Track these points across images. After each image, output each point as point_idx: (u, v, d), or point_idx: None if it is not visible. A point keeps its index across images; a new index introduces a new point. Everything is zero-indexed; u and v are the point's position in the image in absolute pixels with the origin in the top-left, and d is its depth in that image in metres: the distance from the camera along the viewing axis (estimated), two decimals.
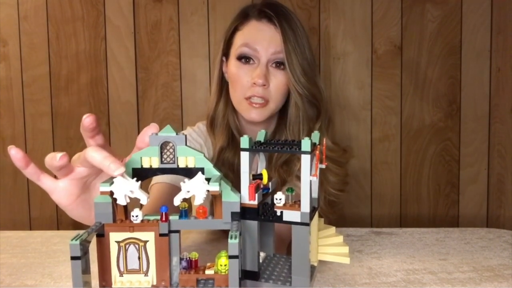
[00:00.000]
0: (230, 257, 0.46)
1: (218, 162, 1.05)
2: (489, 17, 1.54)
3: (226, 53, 1.09)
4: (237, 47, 1.03)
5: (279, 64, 1.02)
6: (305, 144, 0.50)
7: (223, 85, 1.10)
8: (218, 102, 1.10)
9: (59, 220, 1.64)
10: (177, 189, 0.96)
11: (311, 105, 1.04)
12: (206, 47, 1.59)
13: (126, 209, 0.54)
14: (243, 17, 1.06)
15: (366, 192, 1.62)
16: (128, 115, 1.61)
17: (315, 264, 0.59)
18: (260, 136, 0.58)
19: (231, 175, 1.03)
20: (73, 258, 0.46)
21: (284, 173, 1.04)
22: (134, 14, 1.58)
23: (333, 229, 0.65)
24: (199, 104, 1.60)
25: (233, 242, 0.45)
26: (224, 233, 1.02)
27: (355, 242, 0.89)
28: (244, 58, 1.02)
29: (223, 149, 1.07)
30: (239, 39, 1.04)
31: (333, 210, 1.05)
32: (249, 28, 1.04)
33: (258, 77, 0.99)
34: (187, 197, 0.48)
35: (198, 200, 0.48)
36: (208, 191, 0.48)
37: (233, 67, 1.04)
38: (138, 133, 1.56)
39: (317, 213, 0.59)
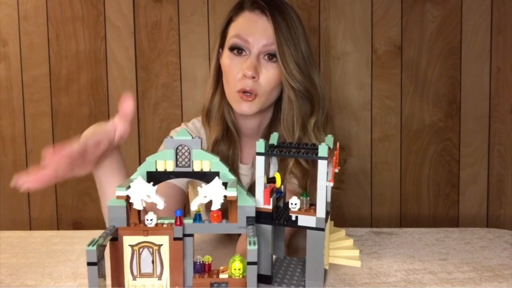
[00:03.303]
0: (249, 263, 0.46)
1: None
2: (489, 17, 1.55)
3: (222, 44, 1.08)
4: (229, 38, 1.03)
5: (271, 57, 1.00)
6: (322, 150, 0.50)
7: (220, 77, 1.08)
8: (214, 93, 1.09)
9: (59, 220, 1.63)
10: (177, 187, 0.97)
11: (304, 99, 1.03)
12: (206, 47, 1.59)
13: (140, 213, 0.54)
14: (238, 8, 1.05)
15: (366, 192, 1.63)
16: None
17: (327, 267, 0.59)
18: (273, 139, 0.57)
19: None
20: (89, 264, 0.46)
21: (280, 170, 1.03)
22: (134, 14, 1.58)
23: (343, 232, 0.65)
24: (199, 104, 1.58)
25: (253, 248, 0.45)
26: (228, 235, 1.02)
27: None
28: (236, 49, 1.01)
29: (217, 141, 1.06)
30: (232, 30, 1.03)
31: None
32: (242, 19, 1.03)
33: (247, 69, 0.98)
34: (204, 202, 0.48)
35: (215, 206, 0.48)
36: (225, 196, 0.48)
37: (226, 58, 1.03)
38: (138, 133, 1.59)
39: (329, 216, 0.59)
